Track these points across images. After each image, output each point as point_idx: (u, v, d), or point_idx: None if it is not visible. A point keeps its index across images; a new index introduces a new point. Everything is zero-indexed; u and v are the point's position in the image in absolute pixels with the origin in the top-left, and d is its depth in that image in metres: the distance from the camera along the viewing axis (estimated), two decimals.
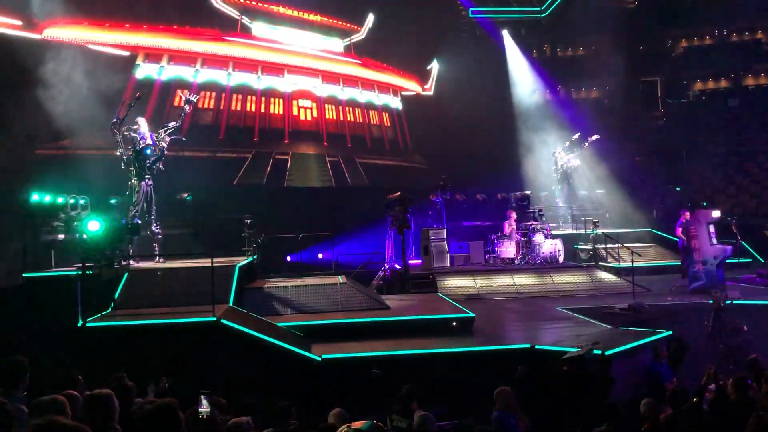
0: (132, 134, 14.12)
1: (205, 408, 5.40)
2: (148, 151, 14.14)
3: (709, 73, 37.15)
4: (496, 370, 10.59)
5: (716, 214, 17.25)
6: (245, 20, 30.71)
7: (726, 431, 7.53)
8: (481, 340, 12.51)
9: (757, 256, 21.18)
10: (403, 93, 35.60)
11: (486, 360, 11.42)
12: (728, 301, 14.20)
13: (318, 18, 32.69)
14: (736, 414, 7.68)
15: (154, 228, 14.68)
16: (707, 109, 34.89)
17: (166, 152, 14.53)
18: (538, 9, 31.63)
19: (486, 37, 30.96)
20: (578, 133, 23.69)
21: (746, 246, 20.71)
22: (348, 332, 12.59)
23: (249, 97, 30.58)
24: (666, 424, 7.54)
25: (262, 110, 30.83)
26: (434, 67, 34.07)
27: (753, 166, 29.72)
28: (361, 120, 34.00)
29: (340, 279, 15.44)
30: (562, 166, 23.40)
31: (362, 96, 33.88)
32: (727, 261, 17.09)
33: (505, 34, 30.60)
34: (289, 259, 19.04)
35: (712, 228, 16.96)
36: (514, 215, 20.65)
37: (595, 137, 23.64)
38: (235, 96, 30.29)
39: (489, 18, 30.33)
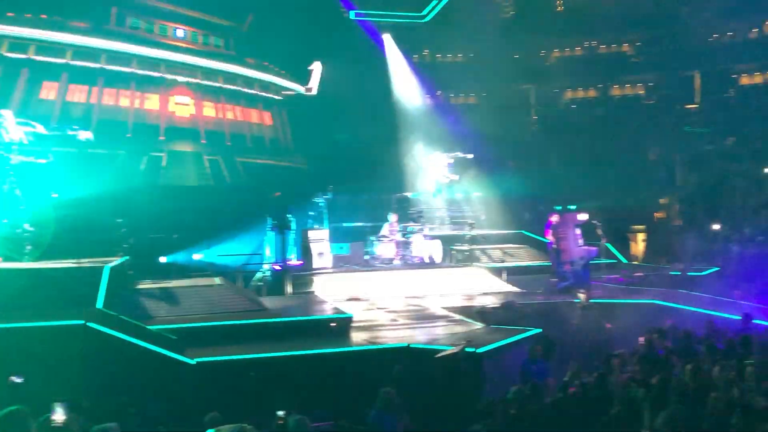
0: None
1: (59, 416, 5.16)
2: (13, 146, 13.38)
3: (579, 82, 38.87)
4: (374, 370, 10.67)
5: (583, 217, 18.09)
6: (120, 12, 29.61)
7: (586, 423, 7.90)
8: (359, 339, 12.58)
9: (620, 257, 22.35)
10: (286, 92, 35.31)
11: (363, 359, 11.48)
12: (593, 300, 14.97)
13: (199, 14, 31.94)
14: (596, 407, 8.10)
15: (24, 226, 13.91)
16: (577, 116, 36.55)
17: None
18: (420, 14, 32.16)
19: (368, 39, 31.14)
20: (458, 154, 24.19)
21: (610, 248, 21.84)
22: (225, 335, 12.33)
23: (123, 91, 29.50)
24: (531, 417, 7.84)
25: (137, 106, 29.80)
26: (317, 67, 33.98)
27: (619, 172, 31.40)
28: (241, 118, 33.48)
29: (217, 280, 15.14)
30: (441, 174, 23.88)
31: (243, 94, 33.35)
32: (592, 262, 17.96)
33: (387, 37, 30.88)
34: (163, 260, 18.45)
35: (578, 230, 17.78)
36: (394, 216, 20.88)
37: (470, 155, 24.27)
38: (107, 90, 29.13)
39: (371, 21, 30.52)
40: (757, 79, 35.86)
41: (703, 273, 19.54)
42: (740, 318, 12.88)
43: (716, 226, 23.68)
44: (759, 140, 28.85)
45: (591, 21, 35.21)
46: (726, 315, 14.18)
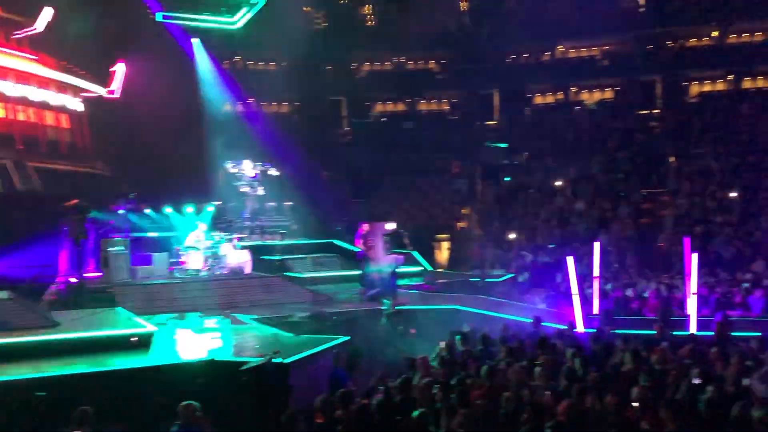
0: None
1: None
2: None
3: (389, 96, 40.02)
4: (177, 385, 10.33)
5: (391, 226, 18.64)
6: None
7: (391, 427, 8.08)
8: (161, 354, 12.12)
9: (425, 264, 23.25)
10: (86, 94, 33.25)
11: (166, 374, 11.08)
12: (399, 307, 15.42)
13: None
14: (400, 411, 8.31)
15: None
16: (387, 129, 37.60)
17: None
18: (231, 20, 31.66)
19: (176, 43, 30.12)
20: (265, 168, 24.02)
21: (417, 256, 22.67)
22: (11, 353, 11.41)
23: None
24: (337, 424, 7.90)
25: None
26: (120, 69, 32.34)
27: (425, 184, 32.69)
28: (35, 120, 31.11)
29: (3, 294, 13.94)
30: (249, 183, 23.59)
31: (37, 95, 30.99)
32: (399, 270, 18.51)
33: (196, 42, 30.07)
34: None
35: (386, 239, 18.29)
36: (202, 225, 20.32)
37: (275, 172, 24.24)
38: None
39: (179, 24, 29.52)
40: (549, 99, 38.84)
41: (500, 279, 20.79)
42: (531, 321, 13.79)
43: (512, 236, 25.25)
44: (550, 155, 31.15)
45: (400, 37, 36.38)
46: (519, 318, 15.17)
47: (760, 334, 12.36)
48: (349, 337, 12.77)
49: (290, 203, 25.42)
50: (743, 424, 7.46)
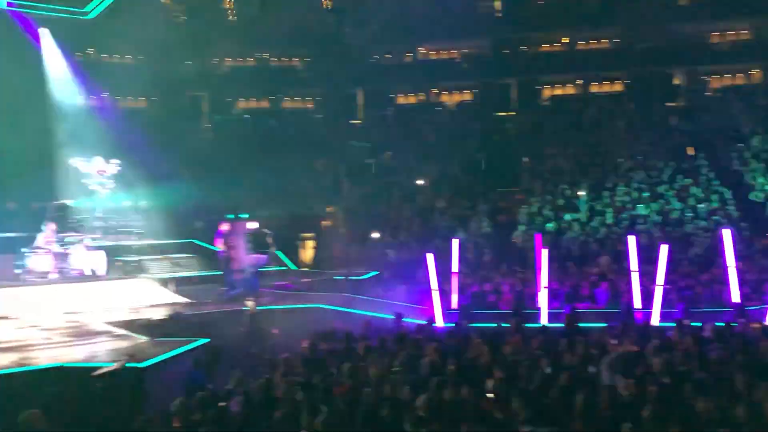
0: None
1: None
2: None
3: (252, 93, 39.37)
4: (24, 394, 9.75)
5: (253, 225, 18.39)
6: None
7: (252, 430, 7.97)
8: (5, 362, 11.38)
9: (289, 263, 23.12)
10: None
11: (11, 383, 10.42)
12: (261, 307, 15.23)
13: None
14: (261, 412, 8.20)
15: None
16: (250, 126, 37.01)
17: None
18: (83, 10, 30.10)
19: (22, 32, 28.24)
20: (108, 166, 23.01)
21: (280, 255, 22.48)
22: None
23: None
24: (195, 428, 7.71)
25: None
26: None
27: (289, 183, 32.40)
28: None
29: None
30: (99, 181, 22.54)
31: None
32: (262, 269, 18.29)
33: (44, 31, 28.33)
34: None
35: (248, 238, 18.04)
36: (52, 226, 19.23)
37: (130, 169, 23.34)
38: None
39: (26, 13, 27.67)
40: (411, 99, 39.56)
41: (363, 277, 20.98)
42: (393, 317, 13.99)
43: (376, 234, 25.51)
44: (412, 155, 31.71)
45: (262, 33, 35.92)
46: (382, 315, 15.36)
47: (605, 324, 13.14)
48: (209, 339, 12.50)
49: (146, 202, 24.53)
50: (589, 409, 7.90)
